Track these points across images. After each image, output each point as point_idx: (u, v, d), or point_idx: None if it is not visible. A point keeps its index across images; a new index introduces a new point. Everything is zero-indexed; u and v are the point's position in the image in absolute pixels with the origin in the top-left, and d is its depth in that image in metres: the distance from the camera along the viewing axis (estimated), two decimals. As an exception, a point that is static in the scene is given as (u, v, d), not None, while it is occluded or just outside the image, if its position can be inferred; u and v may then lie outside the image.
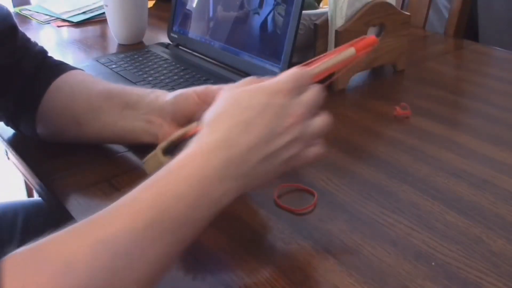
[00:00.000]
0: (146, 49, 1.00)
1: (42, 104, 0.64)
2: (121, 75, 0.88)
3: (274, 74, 0.76)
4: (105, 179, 0.60)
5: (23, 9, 1.36)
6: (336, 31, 0.79)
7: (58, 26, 1.24)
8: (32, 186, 0.70)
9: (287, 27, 0.76)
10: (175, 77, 0.86)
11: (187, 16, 0.96)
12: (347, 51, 0.50)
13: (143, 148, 0.56)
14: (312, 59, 0.50)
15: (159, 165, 0.42)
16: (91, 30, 1.22)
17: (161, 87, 0.82)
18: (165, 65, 0.91)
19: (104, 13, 1.12)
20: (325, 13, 0.83)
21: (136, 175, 0.54)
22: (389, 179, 0.59)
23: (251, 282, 0.45)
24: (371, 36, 0.51)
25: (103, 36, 1.17)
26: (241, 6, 0.84)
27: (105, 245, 0.36)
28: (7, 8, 0.65)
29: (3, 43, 0.64)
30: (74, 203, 0.57)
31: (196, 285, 0.45)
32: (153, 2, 1.38)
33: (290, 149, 0.44)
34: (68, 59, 0.96)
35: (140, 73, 0.88)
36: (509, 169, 0.61)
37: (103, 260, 0.35)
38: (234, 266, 0.47)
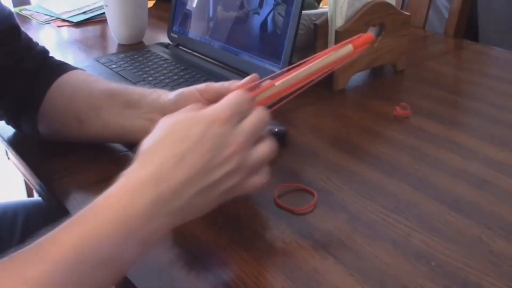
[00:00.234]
0: (146, 49, 1.00)
1: (44, 103, 0.65)
2: (121, 75, 0.88)
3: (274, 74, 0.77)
4: (106, 179, 0.59)
5: (23, 9, 1.36)
6: (336, 31, 0.79)
7: (58, 26, 1.24)
8: (32, 186, 0.70)
9: (287, 27, 0.76)
10: (175, 77, 0.86)
11: (187, 16, 0.96)
12: (345, 49, 0.50)
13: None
14: (310, 57, 0.50)
15: None
16: (91, 30, 1.22)
17: (161, 87, 0.82)
18: (165, 65, 0.91)
19: (104, 13, 1.12)
20: (325, 13, 0.83)
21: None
22: (389, 179, 0.59)
23: (251, 282, 0.45)
24: (368, 33, 0.51)
25: (103, 36, 1.17)
26: (241, 6, 0.84)
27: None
28: (9, 8, 0.65)
29: (4, 43, 0.64)
30: (74, 203, 0.57)
31: (196, 284, 0.45)
32: (153, 2, 1.38)
33: (230, 180, 0.42)
34: (68, 59, 0.96)
35: (140, 73, 0.88)
36: (509, 169, 0.61)
37: None
38: (234, 266, 0.47)
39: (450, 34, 1.13)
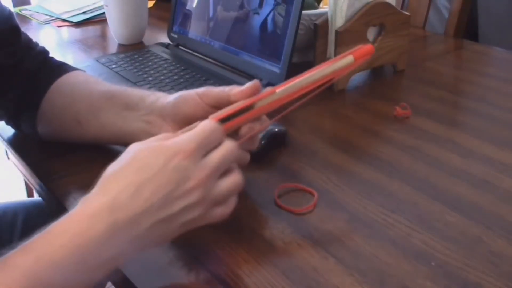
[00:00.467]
0: (146, 49, 1.00)
1: (43, 104, 0.65)
2: (121, 75, 0.88)
3: (274, 74, 0.77)
4: (105, 179, 0.60)
5: (23, 9, 1.36)
6: (336, 31, 0.79)
7: (58, 26, 1.24)
8: (32, 186, 0.70)
9: (287, 27, 0.76)
10: (175, 77, 0.86)
11: (187, 16, 0.96)
12: (346, 59, 0.51)
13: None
14: (311, 69, 0.50)
15: None
16: (91, 30, 1.22)
17: (161, 87, 0.82)
18: (165, 65, 0.91)
19: (104, 13, 1.12)
20: (325, 13, 0.83)
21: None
22: (389, 179, 0.59)
23: (251, 282, 0.45)
24: (368, 45, 0.51)
25: (103, 36, 1.18)
26: (241, 6, 0.84)
27: None
28: (9, 9, 0.65)
29: (4, 43, 0.64)
30: (74, 203, 0.56)
31: (196, 284, 0.45)
32: (153, 2, 1.38)
33: (191, 213, 0.42)
34: (68, 59, 0.97)
35: (140, 73, 0.88)
36: (509, 169, 0.60)
37: None
38: (234, 266, 0.47)
39: (450, 34, 1.13)
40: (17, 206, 0.86)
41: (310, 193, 0.56)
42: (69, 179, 0.61)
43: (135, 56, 0.96)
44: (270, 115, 0.52)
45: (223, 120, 0.49)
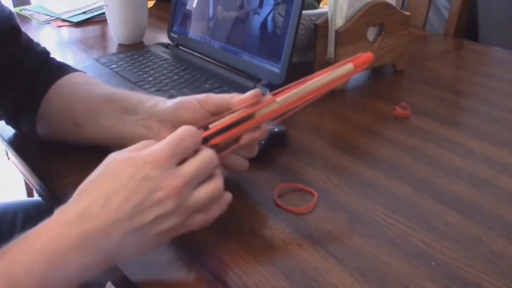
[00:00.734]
0: (146, 49, 1.00)
1: (43, 104, 0.65)
2: (121, 75, 0.88)
3: (274, 74, 0.77)
4: (105, 179, 0.60)
5: (23, 9, 1.36)
6: (336, 31, 0.79)
7: (58, 26, 1.24)
8: (32, 186, 0.70)
9: (287, 27, 0.76)
10: (175, 77, 0.86)
11: (187, 16, 0.96)
12: (346, 67, 0.51)
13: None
14: (311, 75, 0.51)
15: None
16: (91, 30, 1.22)
17: (161, 87, 0.82)
18: (165, 65, 0.91)
19: (104, 13, 1.12)
20: (325, 13, 0.83)
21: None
22: (389, 179, 0.59)
23: (251, 282, 0.45)
24: (368, 53, 0.52)
25: (103, 36, 1.18)
26: (241, 6, 0.84)
27: None
28: (9, 9, 0.65)
29: (5, 43, 0.64)
30: (74, 203, 0.57)
31: (196, 284, 0.45)
32: (153, 2, 1.38)
33: (166, 222, 0.42)
34: (68, 59, 0.97)
35: (140, 73, 0.88)
36: (509, 169, 0.61)
37: None
38: (233, 266, 0.47)
39: (450, 34, 1.13)
40: (17, 206, 0.86)
41: (310, 193, 0.56)
42: (69, 179, 0.61)
43: (135, 56, 0.96)
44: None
45: (224, 130, 0.49)
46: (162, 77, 0.86)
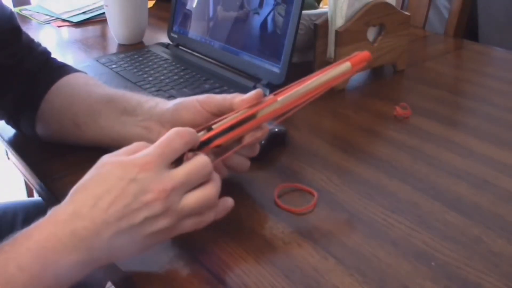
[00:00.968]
0: (146, 49, 1.00)
1: (43, 104, 0.65)
2: (121, 75, 0.88)
3: (274, 74, 0.77)
4: (105, 179, 0.60)
5: (23, 9, 1.36)
6: (336, 31, 0.79)
7: (58, 26, 1.24)
8: (32, 186, 0.70)
9: (287, 27, 0.76)
10: (175, 77, 0.86)
11: (187, 16, 0.97)
12: (343, 66, 0.52)
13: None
14: (310, 75, 0.51)
15: None
16: (91, 30, 1.22)
17: (161, 87, 0.82)
18: (165, 65, 0.91)
19: (104, 13, 1.13)
20: (325, 13, 0.83)
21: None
22: (389, 179, 0.59)
23: (251, 282, 0.45)
24: (364, 51, 0.52)
25: (103, 36, 1.18)
26: (241, 6, 0.84)
27: None
28: (10, 9, 0.65)
29: (5, 43, 0.64)
30: (74, 203, 0.57)
31: (196, 284, 0.45)
32: (153, 2, 1.38)
33: (154, 224, 0.43)
34: (68, 59, 0.97)
35: (140, 73, 0.88)
36: (509, 169, 0.61)
37: None
38: (233, 266, 0.47)
39: (450, 34, 1.13)
40: (17, 206, 0.86)
41: (310, 193, 0.56)
42: (69, 179, 0.60)
43: (135, 56, 0.96)
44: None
45: (226, 130, 0.49)
46: (162, 77, 0.86)
